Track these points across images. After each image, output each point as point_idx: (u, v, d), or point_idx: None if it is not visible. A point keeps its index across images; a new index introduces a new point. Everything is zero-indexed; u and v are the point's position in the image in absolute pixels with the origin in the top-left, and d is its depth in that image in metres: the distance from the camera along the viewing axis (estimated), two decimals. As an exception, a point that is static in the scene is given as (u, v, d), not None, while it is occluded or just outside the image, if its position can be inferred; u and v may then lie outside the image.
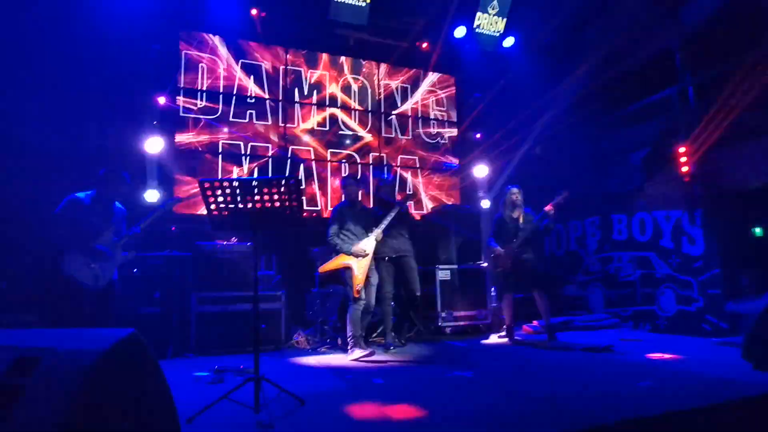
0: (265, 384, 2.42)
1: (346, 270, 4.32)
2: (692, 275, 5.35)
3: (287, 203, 2.36)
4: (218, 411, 2.26)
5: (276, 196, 2.34)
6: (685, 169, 5.62)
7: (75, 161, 5.31)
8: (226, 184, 2.33)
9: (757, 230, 5.46)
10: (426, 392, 2.82)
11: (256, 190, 2.33)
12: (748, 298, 4.79)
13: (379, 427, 2.15)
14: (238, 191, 2.32)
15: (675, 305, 5.49)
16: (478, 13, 7.17)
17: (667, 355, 3.84)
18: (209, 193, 2.32)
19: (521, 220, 4.97)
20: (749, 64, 5.19)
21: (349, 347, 4.26)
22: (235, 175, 6.48)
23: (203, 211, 5.90)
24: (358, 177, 7.05)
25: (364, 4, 6.64)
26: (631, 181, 6.53)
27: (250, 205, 2.35)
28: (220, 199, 2.34)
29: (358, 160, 7.28)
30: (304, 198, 2.51)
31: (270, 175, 6.66)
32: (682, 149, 5.68)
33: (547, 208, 4.81)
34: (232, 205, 2.35)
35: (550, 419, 2.19)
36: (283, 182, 2.33)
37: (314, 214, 6.70)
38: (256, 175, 6.60)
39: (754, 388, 2.58)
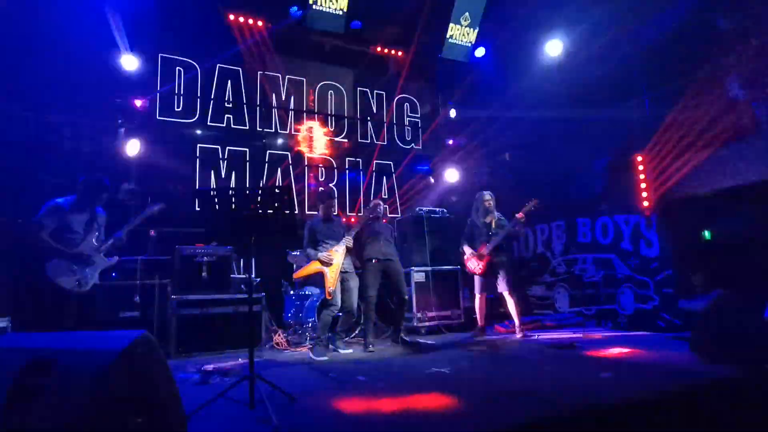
0: (256, 382, 2.54)
1: (317, 275, 4.61)
2: (649, 276, 5.75)
3: (280, 210, 2.50)
4: (214, 408, 2.38)
5: (269, 204, 2.48)
6: (642, 176, 6.04)
7: (51, 163, 5.26)
8: (220, 192, 2.45)
9: (706, 234, 5.90)
10: (408, 387, 3.00)
11: (250, 198, 2.46)
12: (697, 297, 5.21)
13: (370, 420, 2.32)
14: (233, 199, 2.44)
15: (634, 304, 5.89)
16: (451, 24, 7.45)
17: (626, 350, 4.17)
18: (204, 201, 2.43)
19: (494, 225, 5.24)
20: (700, 80, 5.64)
21: (311, 347, 4.49)
22: (212, 179, 6.51)
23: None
24: (334, 185, 7.18)
25: (341, 13, 6.80)
26: (594, 187, 6.94)
27: (245, 213, 2.47)
28: (215, 206, 2.45)
29: (334, 164, 7.42)
30: (296, 204, 2.65)
31: (248, 179, 6.72)
32: (639, 158, 6.10)
33: (519, 215, 5.10)
34: (227, 213, 2.46)
35: (524, 407, 2.42)
36: (277, 190, 2.47)
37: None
38: (233, 179, 6.65)
39: (701, 377, 2.90)
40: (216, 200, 2.40)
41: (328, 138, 7.47)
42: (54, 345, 1.81)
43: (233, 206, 2.43)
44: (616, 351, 4.15)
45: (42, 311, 3.66)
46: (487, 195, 5.36)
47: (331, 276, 4.49)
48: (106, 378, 1.59)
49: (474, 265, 5.27)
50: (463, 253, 5.48)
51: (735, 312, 3.34)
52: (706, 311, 3.45)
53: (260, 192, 2.49)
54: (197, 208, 2.49)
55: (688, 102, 5.77)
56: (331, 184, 7.12)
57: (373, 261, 4.89)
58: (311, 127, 7.36)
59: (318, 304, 5.23)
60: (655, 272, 5.68)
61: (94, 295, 3.79)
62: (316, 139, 7.36)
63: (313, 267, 4.56)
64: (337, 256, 4.54)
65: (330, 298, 4.48)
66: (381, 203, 5.16)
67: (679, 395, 2.57)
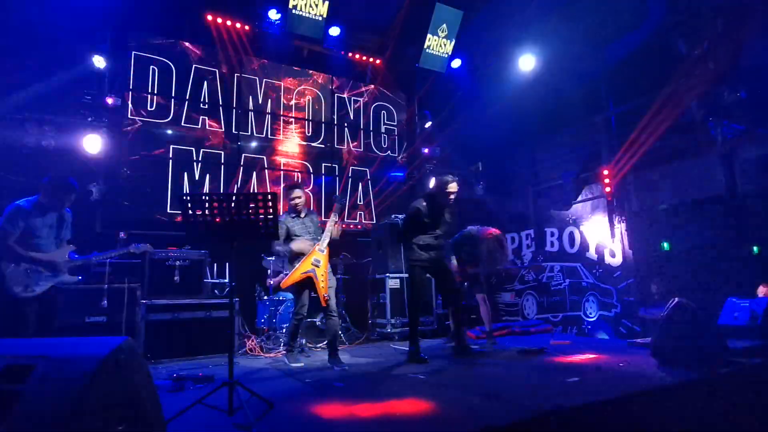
0: (227, 389, 2.52)
1: (304, 282, 4.16)
2: (612, 284, 6.03)
3: (263, 216, 2.52)
4: (193, 415, 2.36)
5: (252, 210, 2.50)
6: (607, 189, 6.33)
7: (16, 161, 5.07)
8: (206, 198, 2.45)
9: (665, 245, 6.23)
10: (385, 392, 3.05)
11: (234, 204, 2.47)
12: (656, 305, 5.50)
13: (348, 425, 2.36)
14: (217, 205, 2.45)
15: (598, 311, 6.15)
16: (429, 35, 7.61)
17: (590, 355, 4.36)
18: (189, 206, 2.43)
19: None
20: (661, 99, 5.97)
21: (286, 352, 4.37)
22: (186, 180, 6.41)
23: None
24: (309, 190, 7.16)
25: (320, 19, 6.85)
26: (563, 197, 7.21)
27: (227, 218, 2.48)
28: (200, 212, 2.45)
29: (310, 169, 7.43)
30: (279, 210, 2.66)
31: (222, 181, 6.65)
32: (605, 171, 6.39)
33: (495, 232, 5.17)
34: (210, 218, 2.47)
35: (497, 409, 2.51)
36: (260, 197, 2.50)
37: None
38: (207, 181, 6.56)
39: (660, 381, 3.07)
40: (201, 205, 2.40)
41: (305, 143, 7.47)
42: (32, 351, 1.77)
43: (217, 211, 2.44)
44: (581, 356, 4.33)
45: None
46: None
47: (321, 278, 4.11)
48: (87, 385, 1.57)
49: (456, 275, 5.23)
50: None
51: (691, 319, 3.56)
52: (664, 318, 3.65)
53: (245, 198, 2.50)
54: (181, 212, 2.46)
55: (650, 119, 6.09)
56: (307, 189, 7.11)
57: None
58: (288, 131, 7.35)
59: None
60: (618, 281, 5.96)
61: (52, 299, 3.64)
62: (292, 144, 7.35)
63: (301, 271, 4.15)
64: (321, 256, 4.16)
65: (325, 305, 4.15)
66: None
67: (642, 397, 2.73)
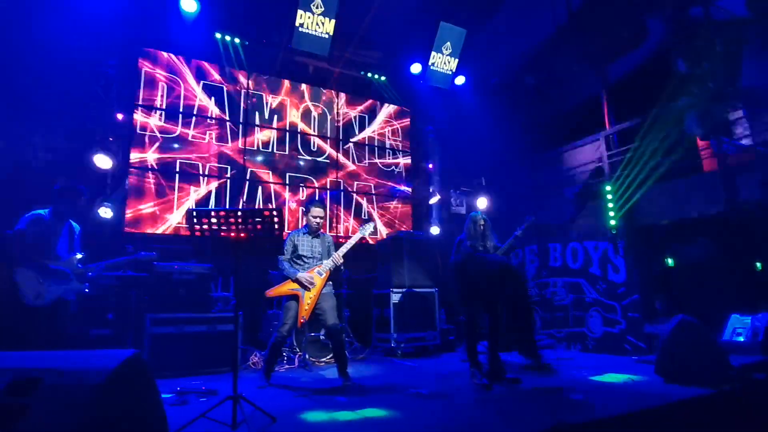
0: (231, 403, 2.54)
1: (290, 299, 4.03)
2: (616, 300, 6.00)
3: (269, 232, 2.57)
4: (196, 429, 2.38)
5: (259, 225, 2.54)
6: (610, 205, 6.35)
7: (23, 175, 5.16)
8: (213, 213, 2.50)
9: (669, 261, 6.22)
10: (388, 407, 3.05)
11: (240, 219, 2.52)
12: (661, 321, 5.47)
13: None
14: (224, 220, 2.50)
15: (602, 327, 6.11)
16: (433, 52, 7.74)
17: (595, 371, 4.34)
18: (196, 220, 2.47)
19: (491, 251, 5.07)
20: (662, 117, 6.03)
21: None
22: (192, 195, 6.48)
23: (158, 230, 5.89)
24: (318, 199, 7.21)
25: (327, 36, 6.98)
26: (566, 213, 7.23)
27: (234, 233, 2.53)
28: (206, 227, 2.50)
29: (316, 184, 7.50)
30: (285, 226, 2.69)
31: (228, 196, 6.72)
32: (608, 187, 6.42)
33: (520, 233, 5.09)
34: (217, 233, 2.51)
35: (502, 425, 2.51)
36: (266, 212, 2.54)
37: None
38: (213, 195, 6.63)
39: (665, 398, 3.06)
40: (208, 219, 2.45)
41: (310, 158, 7.55)
42: (40, 364, 1.80)
43: (224, 226, 2.48)
44: (585, 373, 4.31)
45: (6, 328, 3.56)
46: (479, 217, 4.69)
47: (307, 302, 3.95)
48: (95, 398, 1.60)
49: None
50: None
51: (695, 336, 3.55)
52: (668, 335, 3.65)
53: (251, 213, 2.55)
54: (188, 226, 2.52)
55: (651, 136, 6.15)
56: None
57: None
58: (295, 145, 7.44)
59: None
60: (623, 297, 5.93)
61: (62, 310, 3.69)
62: (298, 158, 7.43)
63: (289, 287, 4.02)
64: (318, 280, 4.03)
65: (301, 326, 4.02)
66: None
67: (647, 415, 2.72)
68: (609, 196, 6.38)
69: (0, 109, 5.28)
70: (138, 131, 6.25)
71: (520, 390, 3.61)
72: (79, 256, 3.76)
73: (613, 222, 6.24)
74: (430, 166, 8.21)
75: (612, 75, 6.80)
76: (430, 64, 7.75)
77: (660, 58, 6.04)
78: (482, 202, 7.71)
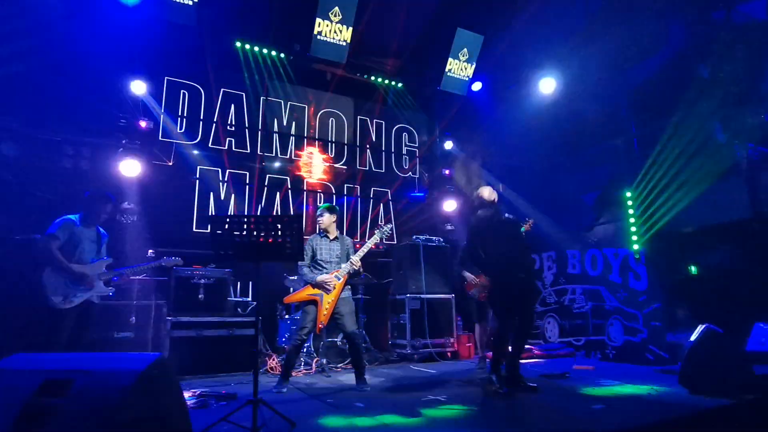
0: (251, 407, 2.56)
1: (309, 304, 4.07)
2: (638, 308, 5.89)
3: (288, 237, 2.60)
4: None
5: (279, 231, 2.58)
6: (631, 211, 6.25)
7: (51, 180, 5.32)
8: (234, 218, 2.55)
9: (693, 269, 6.08)
10: (406, 414, 3.05)
11: (261, 225, 2.56)
12: (684, 330, 5.34)
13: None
14: (245, 225, 2.54)
15: (623, 336, 6.00)
16: (450, 59, 7.75)
17: (616, 381, 4.26)
18: (218, 226, 2.52)
19: None
20: (685, 121, 5.93)
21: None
22: (212, 200, 6.59)
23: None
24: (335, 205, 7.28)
25: (344, 44, 7.06)
26: (585, 219, 7.15)
27: (254, 238, 2.57)
28: (227, 232, 2.55)
29: (333, 190, 7.55)
30: (303, 232, 2.70)
31: (246, 202, 6.82)
32: (628, 193, 6.33)
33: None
34: (238, 238, 2.56)
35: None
36: (287, 218, 2.58)
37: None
38: (232, 201, 6.73)
39: (689, 409, 3.00)
40: (229, 225, 2.50)
41: (327, 164, 7.62)
42: (69, 366, 1.85)
43: (245, 231, 2.53)
44: (606, 382, 4.23)
45: (32, 329, 3.67)
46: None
47: (326, 307, 3.98)
48: (125, 399, 1.64)
49: (481, 289, 4.95)
50: (470, 279, 5.10)
51: (720, 346, 3.47)
52: (694, 345, 3.57)
53: (272, 219, 2.59)
54: (210, 231, 2.57)
55: (672, 141, 6.04)
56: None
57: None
58: (311, 153, 7.52)
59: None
60: (644, 305, 5.82)
61: (89, 312, 3.79)
62: (315, 165, 7.50)
63: (308, 292, 4.07)
64: (337, 284, 4.07)
65: (319, 332, 4.05)
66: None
67: (670, 426, 2.66)
68: (630, 203, 6.28)
69: (31, 116, 5.45)
70: (160, 138, 6.39)
71: (539, 399, 3.57)
72: (106, 261, 3.86)
73: (634, 228, 6.14)
74: (447, 171, 8.20)
75: (632, 80, 6.71)
76: (446, 70, 7.76)
77: (681, 63, 5.95)
78: (450, 204, 7.74)
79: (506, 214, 4.55)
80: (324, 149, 7.66)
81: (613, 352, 6.08)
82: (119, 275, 3.93)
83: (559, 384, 4.20)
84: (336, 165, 7.69)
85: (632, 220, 6.23)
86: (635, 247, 6.05)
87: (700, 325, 3.78)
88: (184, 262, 5.12)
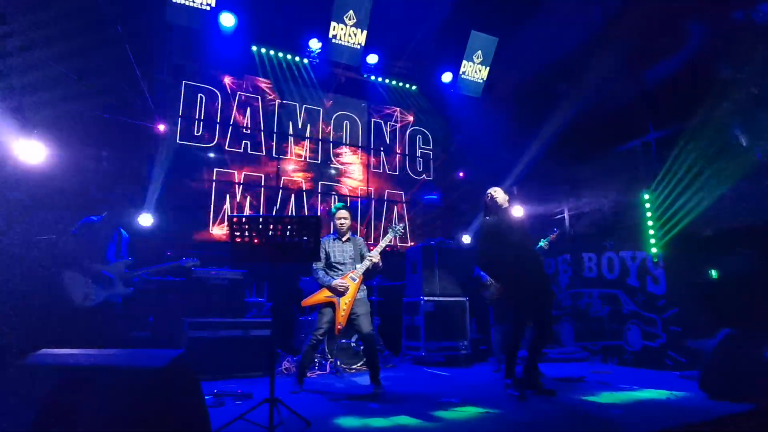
0: (267, 406, 2.58)
1: (326, 306, 4.06)
2: (656, 313, 5.79)
3: (306, 239, 2.63)
4: (234, 429, 2.44)
5: (296, 233, 2.61)
6: (648, 214, 6.16)
7: (75, 182, 5.43)
8: (252, 219, 2.58)
9: (713, 273, 5.96)
10: (420, 415, 3.05)
11: (279, 227, 2.59)
12: (704, 335, 5.24)
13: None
14: (262, 226, 2.57)
15: (641, 341, 5.90)
16: (464, 61, 7.76)
17: (635, 386, 4.19)
18: (236, 227, 2.56)
19: None
20: (704, 123, 5.82)
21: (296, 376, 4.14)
22: (227, 202, 6.68)
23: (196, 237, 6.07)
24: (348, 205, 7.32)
25: (359, 47, 7.12)
26: (601, 222, 7.06)
27: (272, 240, 2.60)
28: (246, 233, 2.58)
29: (348, 192, 7.59)
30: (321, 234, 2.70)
31: (262, 203, 6.90)
32: (646, 196, 6.24)
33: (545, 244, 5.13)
34: (256, 239, 2.59)
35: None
36: (305, 220, 2.61)
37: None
38: (248, 203, 6.81)
39: (709, 414, 2.94)
40: (247, 226, 2.54)
41: (341, 166, 7.66)
42: (94, 362, 1.89)
43: (263, 233, 2.56)
44: (625, 387, 4.17)
45: (52, 327, 3.75)
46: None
47: (343, 308, 3.96)
48: (148, 394, 1.68)
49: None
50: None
51: (741, 350, 3.40)
52: (714, 349, 3.50)
53: (290, 220, 2.62)
54: (228, 233, 2.61)
55: (692, 143, 5.94)
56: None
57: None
58: (327, 154, 7.57)
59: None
60: (663, 309, 5.72)
61: (110, 311, 3.87)
62: (330, 166, 7.55)
63: (325, 294, 4.07)
64: (352, 285, 4.05)
65: (338, 333, 4.04)
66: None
67: (688, 430, 2.62)
68: (647, 205, 6.19)
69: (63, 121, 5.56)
70: (178, 141, 6.50)
71: (555, 403, 3.53)
72: (126, 261, 3.94)
73: (652, 231, 6.04)
74: (461, 174, 8.19)
75: (650, 81, 6.62)
76: (460, 72, 7.77)
77: (700, 64, 5.85)
78: (517, 211, 7.62)
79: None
80: (338, 151, 7.70)
81: (630, 357, 5.98)
82: (139, 276, 4.01)
83: (576, 388, 4.15)
84: (350, 167, 7.72)
85: (650, 223, 6.13)
86: (653, 250, 5.95)
87: (720, 330, 3.71)
88: (200, 263, 5.21)
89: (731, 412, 2.91)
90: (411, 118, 8.43)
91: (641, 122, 6.76)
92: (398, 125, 8.33)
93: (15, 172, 4.98)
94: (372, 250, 4.28)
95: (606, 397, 3.72)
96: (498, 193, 4.32)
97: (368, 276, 4.23)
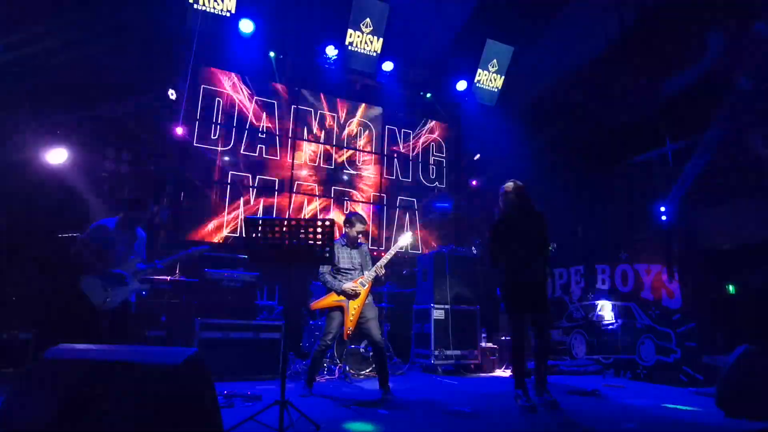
0: (277, 408, 2.59)
1: (334, 310, 4.07)
2: (671, 327, 5.69)
3: (321, 242, 2.65)
4: (245, 430, 2.45)
5: (311, 235, 2.63)
6: (665, 227, 6.08)
7: (92, 183, 5.55)
8: (268, 222, 2.61)
9: (731, 288, 5.86)
10: (427, 423, 3.03)
11: (294, 230, 2.61)
12: (721, 352, 5.13)
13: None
14: (278, 229, 2.60)
15: (655, 355, 5.80)
16: (479, 70, 7.77)
17: (648, 401, 4.12)
18: (252, 229, 2.59)
19: None
20: (721, 135, 5.74)
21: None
22: (242, 204, 6.75)
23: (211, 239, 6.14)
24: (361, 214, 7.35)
25: (374, 54, 7.18)
26: (616, 233, 6.97)
27: (287, 242, 2.62)
28: (260, 235, 2.61)
29: (361, 198, 7.62)
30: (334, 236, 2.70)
31: (275, 206, 6.95)
32: (662, 208, 6.16)
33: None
34: (272, 241, 2.61)
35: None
36: (320, 222, 2.63)
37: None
38: (261, 207, 6.88)
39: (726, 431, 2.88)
40: (262, 228, 2.57)
41: (354, 172, 7.70)
42: (111, 357, 1.92)
43: (279, 235, 2.58)
44: (638, 402, 4.10)
45: (70, 326, 3.81)
46: None
47: (352, 312, 3.98)
48: (163, 390, 1.70)
49: None
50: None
51: (759, 367, 3.32)
52: (731, 366, 3.43)
53: (305, 223, 2.64)
54: (246, 234, 2.64)
55: (710, 156, 5.86)
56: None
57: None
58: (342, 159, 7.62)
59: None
60: (678, 324, 5.62)
61: (127, 311, 3.92)
62: (344, 172, 7.60)
63: (334, 298, 4.09)
64: (362, 290, 4.06)
65: (347, 339, 4.07)
66: None
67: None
68: (663, 218, 6.11)
69: (82, 122, 5.68)
70: (195, 144, 6.60)
71: (566, 415, 3.48)
72: (138, 259, 3.99)
73: (668, 244, 5.96)
74: (474, 182, 8.17)
75: (668, 92, 6.56)
76: (475, 81, 7.78)
77: (720, 75, 5.78)
78: (474, 215, 7.65)
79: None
80: (352, 157, 7.75)
81: (644, 371, 5.88)
82: (150, 273, 4.04)
83: (588, 401, 4.09)
84: (363, 173, 7.76)
85: (666, 236, 6.05)
86: (670, 263, 5.87)
87: (739, 347, 3.63)
88: (213, 265, 5.27)
89: (749, 431, 2.84)
90: (425, 126, 8.45)
91: (658, 134, 6.68)
92: (412, 133, 8.35)
93: (39, 174, 5.12)
94: (383, 255, 4.28)
95: (619, 411, 3.66)
96: (507, 186, 4.27)
97: (376, 283, 4.25)
